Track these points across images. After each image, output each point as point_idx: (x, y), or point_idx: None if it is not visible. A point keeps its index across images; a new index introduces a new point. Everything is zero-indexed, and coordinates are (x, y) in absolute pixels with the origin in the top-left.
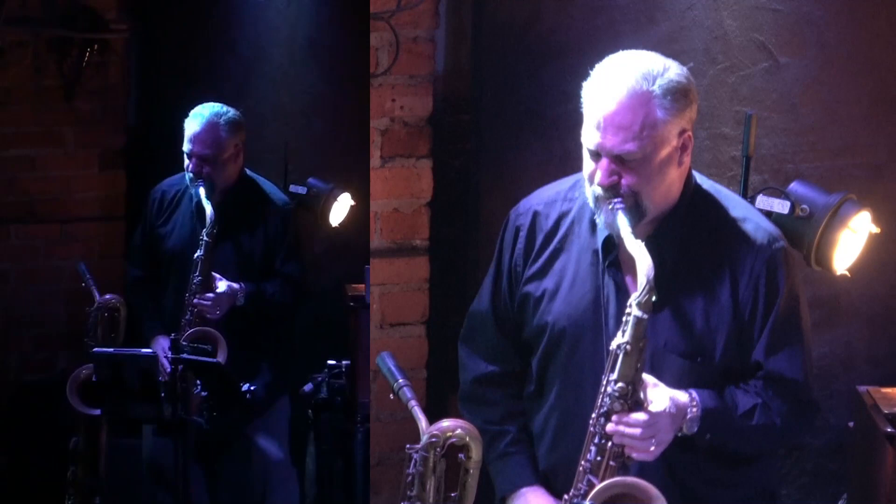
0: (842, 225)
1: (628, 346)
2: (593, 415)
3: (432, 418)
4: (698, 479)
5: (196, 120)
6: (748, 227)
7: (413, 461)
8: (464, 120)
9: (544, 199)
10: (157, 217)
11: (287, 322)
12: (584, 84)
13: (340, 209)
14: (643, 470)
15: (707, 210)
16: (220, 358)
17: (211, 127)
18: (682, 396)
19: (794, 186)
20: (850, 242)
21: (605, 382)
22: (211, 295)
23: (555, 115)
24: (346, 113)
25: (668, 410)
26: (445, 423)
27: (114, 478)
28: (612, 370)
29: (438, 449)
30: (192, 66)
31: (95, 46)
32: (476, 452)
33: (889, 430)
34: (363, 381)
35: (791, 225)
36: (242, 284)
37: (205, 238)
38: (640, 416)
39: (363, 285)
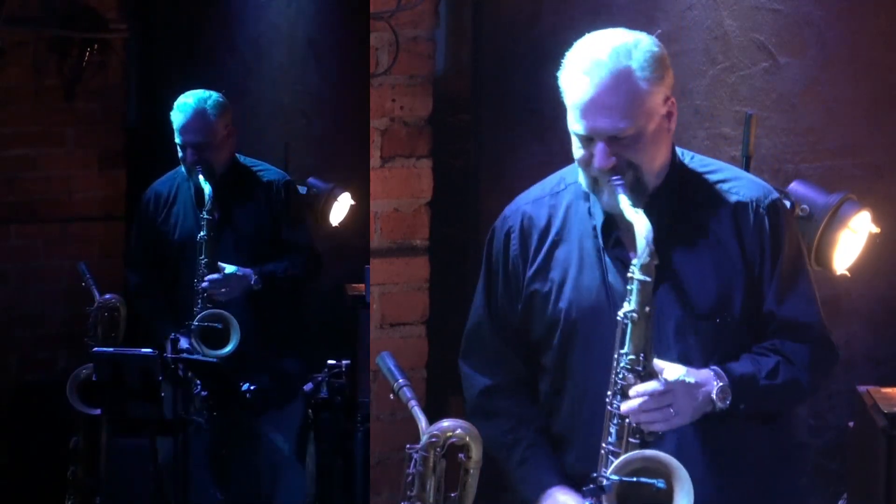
0: (842, 225)
1: (635, 314)
2: (608, 392)
3: (432, 418)
4: (732, 444)
5: (183, 111)
6: (742, 185)
7: (413, 461)
8: (464, 120)
9: (529, 199)
10: (155, 217)
11: (302, 305)
12: (561, 74)
13: (340, 209)
14: (681, 446)
15: (695, 175)
16: (233, 340)
17: (200, 114)
18: (701, 371)
19: (794, 186)
20: (850, 242)
21: (616, 357)
22: (217, 276)
23: (555, 115)
24: (346, 113)
25: (683, 379)
26: (445, 423)
27: (114, 478)
28: (623, 343)
29: (438, 449)
30: (192, 66)
31: (95, 46)
32: (476, 452)
33: (889, 429)
34: (363, 381)
35: None
36: (255, 269)
37: (205, 216)
38: (653, 385)
39: (363, 285)
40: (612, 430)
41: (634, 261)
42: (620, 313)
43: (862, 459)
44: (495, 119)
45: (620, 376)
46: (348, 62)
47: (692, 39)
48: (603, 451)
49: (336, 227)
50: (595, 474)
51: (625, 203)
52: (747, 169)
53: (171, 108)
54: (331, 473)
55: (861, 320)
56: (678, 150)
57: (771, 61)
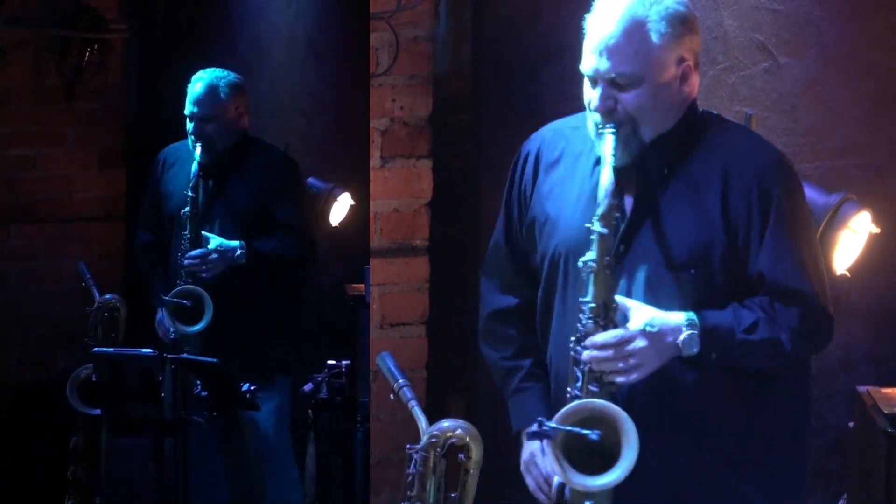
0: (842, 225)
1: (594, 264)
2: (572, 338)
3: (432, 418)
4: (690, 409)
5: (197, 83)
6: (742, 142)
7: (413, 461)
8: (464, 120)
9: (552, 128)
10: (160, 178)
11: (295, 290)
12: (586, 16)
13: (340, 209)
14: (632, 397)
15: (703, 131)
16: (206, 317)
17: (211, 89)
18: (672, 317)
19: None
20: (850, 242)
21: (579, 304)
22: (197, 252)
23: (555, 115)
24: (346, 113)
25: (645, 329)
26: (445, 423)
27: (114, 478)
28: (585, 291)
29: (438, 449)
30: (193, 67)
31: (95, 46)
32: (476, 452)
33: (889, 429)
34: (363, 381)
35: None
36: (241, 242)
37: (189, 193)
38: (610, 335)
39: (363, 285)
40: (579, 375)
41: (597, 210)
42: (580, 261)
43: (862, 459)
44: (495, 119)
45: (582, 323)
46: (348, 62)
47: None
48: (569, 396)
49: (336, 227)
50: (540, 419)
51: (608, 149)
52: None
53: (171, 109)
54: (331, 473)
55: (861, 320)
56: (706, 110)
57: (771, 61)
